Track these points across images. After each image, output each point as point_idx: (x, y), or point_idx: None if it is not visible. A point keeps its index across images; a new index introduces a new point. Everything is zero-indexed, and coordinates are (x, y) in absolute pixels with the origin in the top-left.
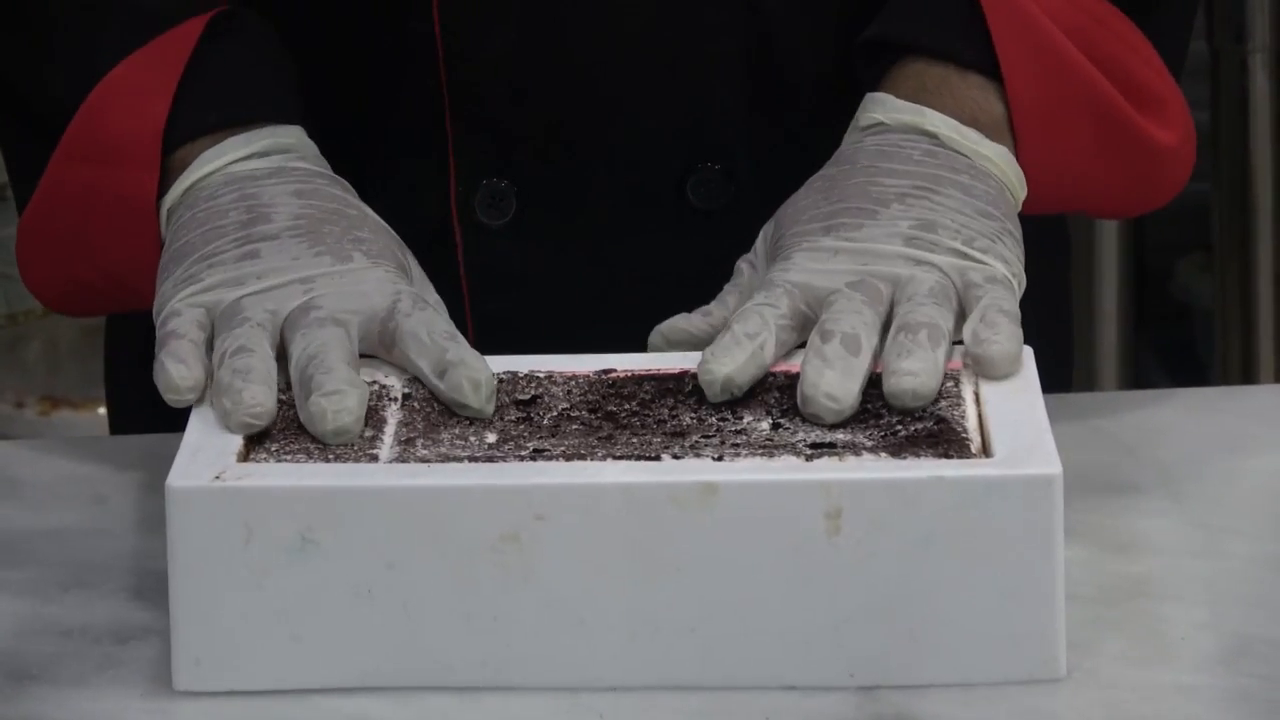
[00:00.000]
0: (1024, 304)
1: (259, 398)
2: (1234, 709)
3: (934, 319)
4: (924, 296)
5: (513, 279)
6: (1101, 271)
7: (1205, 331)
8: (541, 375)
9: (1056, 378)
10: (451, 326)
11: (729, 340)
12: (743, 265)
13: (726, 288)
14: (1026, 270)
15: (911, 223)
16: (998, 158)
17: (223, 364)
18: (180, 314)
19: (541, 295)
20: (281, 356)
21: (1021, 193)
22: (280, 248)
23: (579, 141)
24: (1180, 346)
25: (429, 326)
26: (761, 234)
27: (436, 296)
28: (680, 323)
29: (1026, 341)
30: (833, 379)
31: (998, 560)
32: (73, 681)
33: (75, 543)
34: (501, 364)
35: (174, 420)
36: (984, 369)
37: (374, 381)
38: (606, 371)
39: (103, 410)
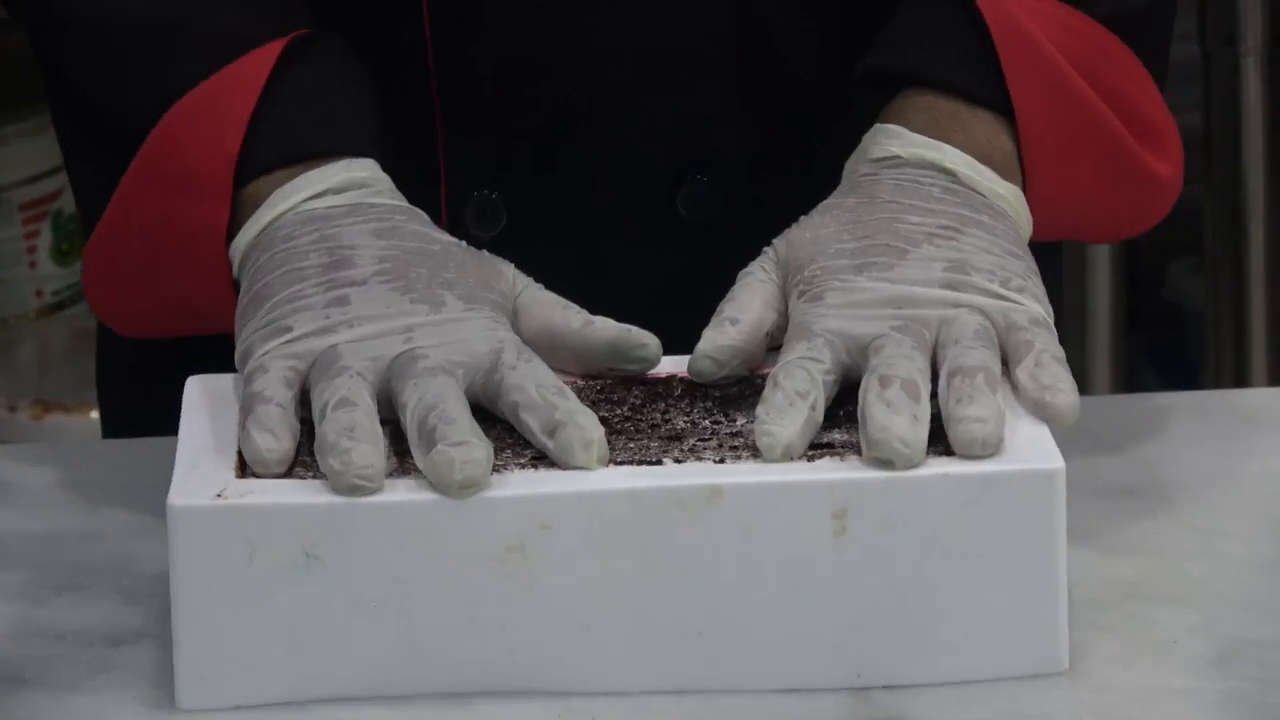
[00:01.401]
0: None
1: (369, 458)
2: (1227, 712)
3: (986, 362)
4: (971, 339)
5: None
6: (1093, 275)
7: (1197, 334)
8: None
9: None
10: (557, 380)
11: (782, 400)
12: (757, 271)
13: (736, 290)
14: None
15: (945, 264)
16: (1011, 196)
17: (325, 418)
18: (267, 370)
19: None
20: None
21: (1028, 230)
22: (369, 293)
23: (569, 153)
24: (1172, 349)
25: (536, 381)
26: (772, 252)
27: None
28: (722, 340)
29: None
30: (903, 425)
31: (1001, 556)
32: (66, 685)
33: (68, 546)
34: None
35: (167, 425)
36: (1050, 418)
37: None
38: (595, 377)
39: (95, 414)
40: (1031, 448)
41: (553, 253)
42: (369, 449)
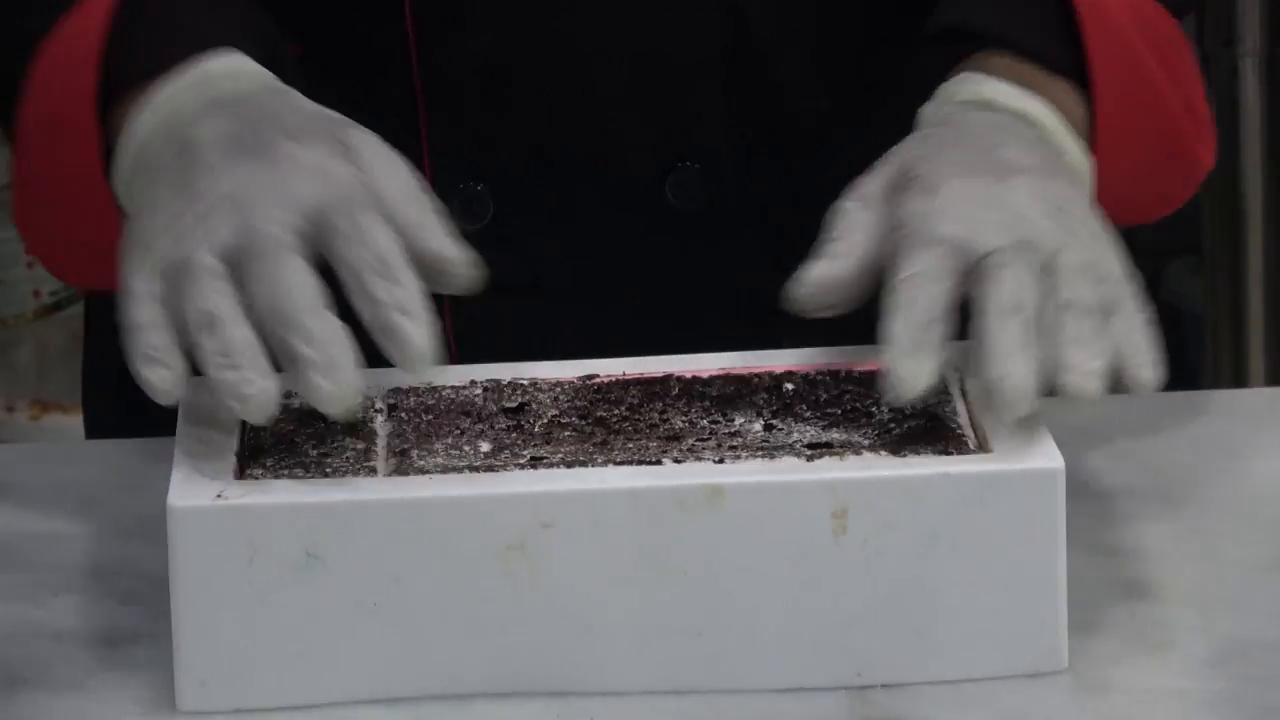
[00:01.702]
0: None
1: (260, 388)
2: (1225, 712)
3: (1098, 300)
4: (1079, 270)
5: (491, 282)
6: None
7: (1196, 335)
8: (526, 382)
9: None
10: (390, 250)
11: (909, 337)
12: (855, 205)
13: (840, 229)
14: None
15: (1045, 201)
16: (1086, 166)
17: (198, 348)
18: (134, 294)
19: (521, 298)
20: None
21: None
22: (212, 173)
23: (555, 143)
24: (1170, 350)
25: (367, 256)
26: (877, 176)
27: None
28: (824, 272)
29: None
30: (1023, 369)
31: (1001, 555)
32: (64, 685)
33: (65, 546)
34: (484, 372)
35: (151, 427)
36: (1133, 388)
37: None
38: (590, 377)
39: None
40: (1031, 447)
41: (540, 245)
42: (253, 378)
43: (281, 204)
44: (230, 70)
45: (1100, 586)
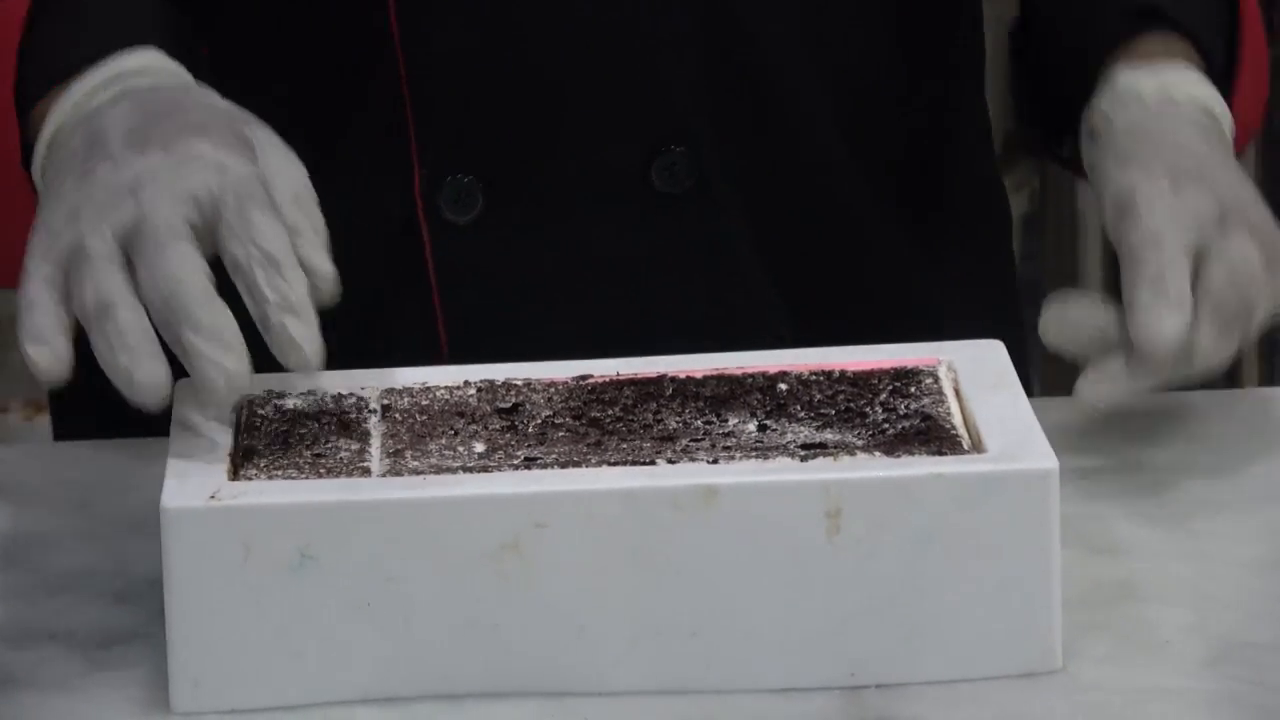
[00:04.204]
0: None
1: (151, 375)
2: (1219, 712)
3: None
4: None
5: (482, 274)
6: (1084, 276)
7: None
8: (519, 383)
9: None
10: (277, 241)
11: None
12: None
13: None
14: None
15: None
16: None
17: (93, 333)
18: (28, 275)
19: (512, 288)
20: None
21: None
22: (113, 161)
23: (541, 131)
24: None
25: (251, 248)
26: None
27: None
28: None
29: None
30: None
31: (995, 555)
32: (58, 686)
33: (59, 547)
34: (478, 372)
35: (123, 431)
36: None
37: (350, 394)
38: (584, 378)
39: None
40: (1025, 448)
41: (530, 233)
42: (146, 363)
43: (176, 194)
44: (144, 66)
45: (1094, 587)
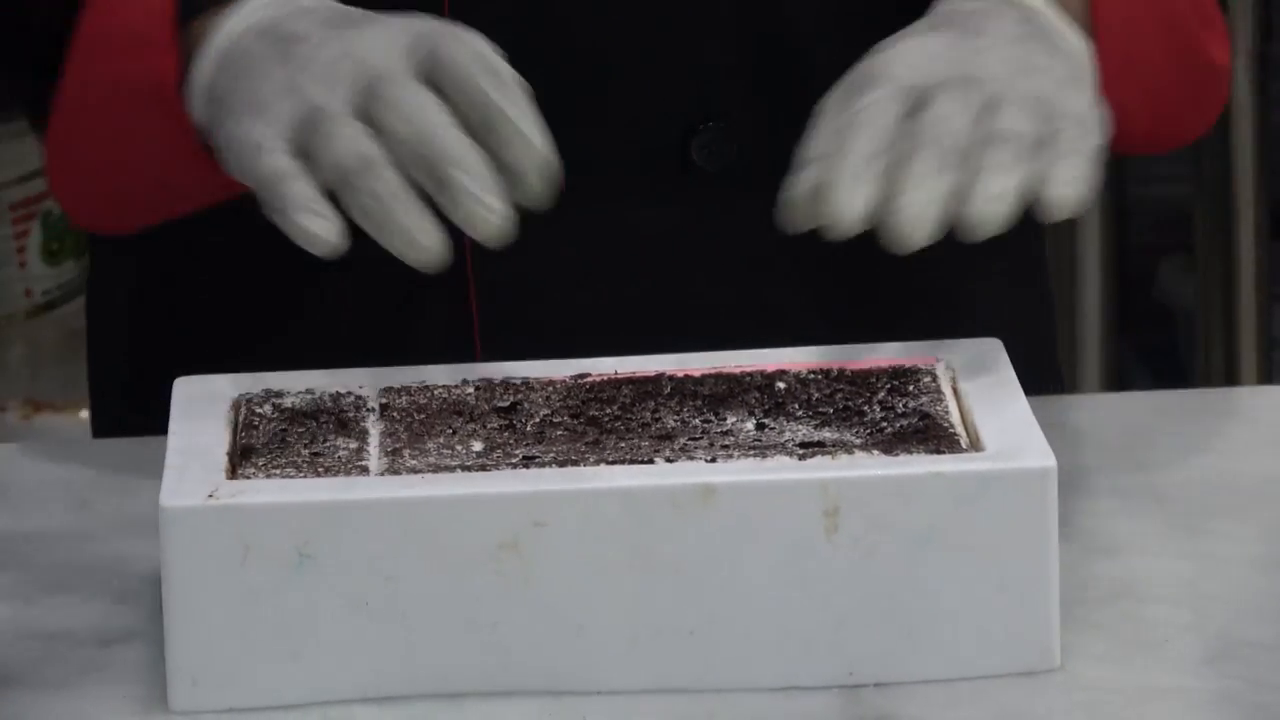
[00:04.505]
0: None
1: (432, 236)
2: (1218, 711)
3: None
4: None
5: (516, 247)
6: (1083, 274)
7: (1188, 334)
8: (518, 382)
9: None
10: (493, 67)
11: (857, 164)
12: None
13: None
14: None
15: (1011, 59)
16: (1080, 52)
17: (348, 193)
18: (261, 150)
19: (546, 262)
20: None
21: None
22: (316, 42)
23: (578, 107)
24: (1162, 349)
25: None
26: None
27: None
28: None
29: (1006, 342)
30: (922, 199)
31: (994, 554)
32: (56, 685)
33: (58, 546)
34: (476, 372)
35: (158, 425)
36: (1050, 211)
37: (349, 392)
38: (582, 376)
39: (85, 414)
40: (1023, 446)
41: (565, 206)
42: (426, 220)
43: (400, 48)
44: None
45: (1092, 585)
